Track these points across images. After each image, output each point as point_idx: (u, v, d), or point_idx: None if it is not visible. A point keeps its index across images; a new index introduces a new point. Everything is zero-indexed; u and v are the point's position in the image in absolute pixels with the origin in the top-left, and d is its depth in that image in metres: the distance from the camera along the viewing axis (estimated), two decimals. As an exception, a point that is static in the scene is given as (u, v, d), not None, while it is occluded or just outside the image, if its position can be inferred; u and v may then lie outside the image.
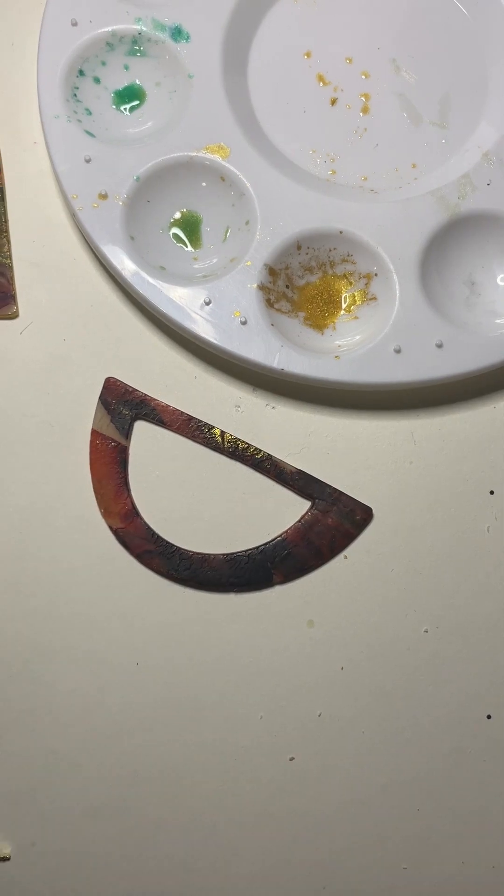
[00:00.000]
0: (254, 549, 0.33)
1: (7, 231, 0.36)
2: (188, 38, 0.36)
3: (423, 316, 0.34)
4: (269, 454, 0.33)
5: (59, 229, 0.36)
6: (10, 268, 0.35)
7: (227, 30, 0.36)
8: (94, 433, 0.33)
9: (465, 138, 0.37)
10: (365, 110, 0.37)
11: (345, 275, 0.35)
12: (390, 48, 0.38)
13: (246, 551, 0.33)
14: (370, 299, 0.35)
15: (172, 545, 0.33)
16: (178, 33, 0.36)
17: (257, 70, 0.37)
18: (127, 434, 0.33)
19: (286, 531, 0.33)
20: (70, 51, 0.35)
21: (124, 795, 0.31)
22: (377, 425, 0.35)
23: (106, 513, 0.33)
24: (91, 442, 0.33)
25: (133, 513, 0.33)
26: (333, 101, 0.37)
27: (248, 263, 0.34)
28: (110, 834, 0.31)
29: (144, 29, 0.36)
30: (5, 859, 0.31)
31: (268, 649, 0.32)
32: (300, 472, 0.33)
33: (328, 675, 0.32)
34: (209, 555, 0.33)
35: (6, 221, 0.36)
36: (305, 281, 0.35)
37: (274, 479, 0.33)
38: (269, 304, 0.34)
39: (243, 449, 0.33)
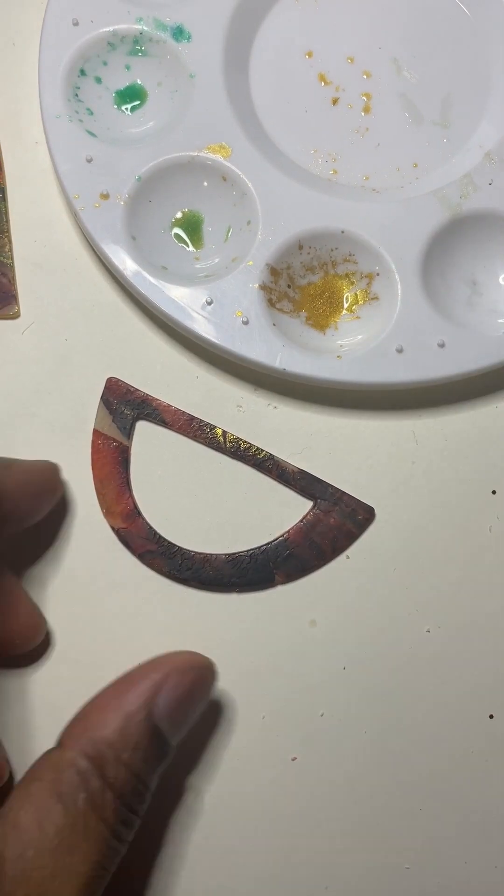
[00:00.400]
0: (256, 548, 0.33)
1: (8, 231, 0.36)
2: (189, 37, 0.36)
3: (425, 316, 0.34)
4: (270, 454, 0.33)
5: (61, 229, 0.36)
6: (12, 268, 0.35)
7: (228, 30, 0.36)
8: (96, 433, 0.33)
9: (466, 138, 0.37)
10: (366, 110, 0.37)
11: (346, 274, 0.35)
12: (392, 48, 0.38)
13: (248, 551, 0.33)
14: (372, 299, 0.35)
15: (174, 545, 0.33)
16: (179, 33, 0.36)
17: (259, 70, 0.37)
18: (128, 434, 0.33)
19: (288, 531, 0.33)
20: (71, 50, 0.35)
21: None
22: (379, 425, 0.35)
23: (107, 513, 0.33)
24: (93, 442, 0.33)
25: (135, 513, 0.33)
26: (335, 101, 0.37)
27: (250, 263, 0.34)
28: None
29: (146, 29, 0.36)
30: None
31: (270, 649, 0.32)
32: (302, 472, 0.33)
33: (330, 675, 0.32)
34: (211, 555, 0.33)
35: (7, 221, 0.36)
36: (307, 281, 0.35)
37: (276, 479, 0.33)
38: (271, 303, 0.34)
39: (245, 449, 0.33)
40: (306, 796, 0.32)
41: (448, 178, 0.36)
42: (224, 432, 0.34)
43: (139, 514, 0.33)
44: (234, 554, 0.33)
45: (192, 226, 0.35)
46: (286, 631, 0.33)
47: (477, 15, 0.38)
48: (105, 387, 0.34)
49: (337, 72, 0.37)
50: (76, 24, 0.35)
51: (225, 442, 0.33)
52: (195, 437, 0.34)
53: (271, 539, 0.33)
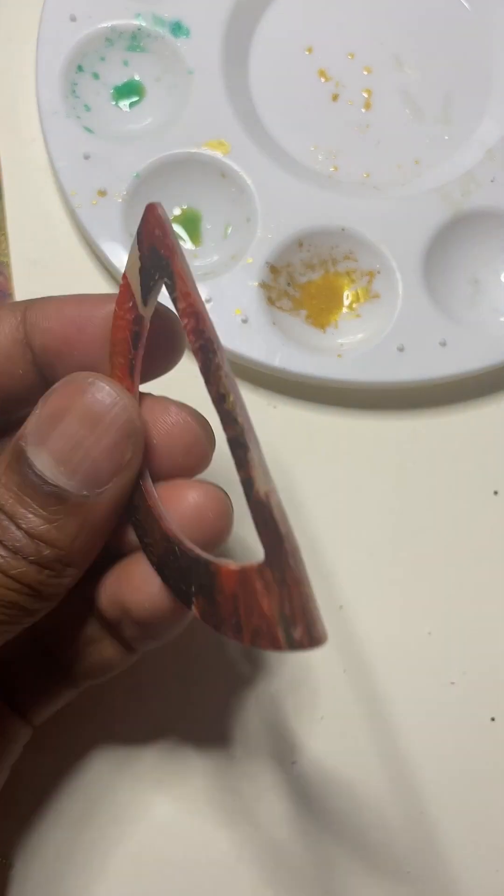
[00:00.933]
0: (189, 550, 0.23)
1: (5, 228, 0.35)
2: (188, 33, 0.35)
3: (427, 314, 0.33)
4: (244, 433, 0.22)
5: (58, 226, 0.36)
6: (8, 265, 0.35)
7: (227, 25, 0.36)
8: (124, 278, 0.23)
9: (468, 135, 0.36)
10: (367, 106, 0.37)
11: (347, 272, 0.35)
12: (393, 44, 0.37)
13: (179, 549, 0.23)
14: (373, 297, 0.34)
15: None
16: (177, 28, 0.36)
17: (258, 65, 0.37)
18: (147, 297, 0.23)
19: (219, 567, 0.22)
20: (69, 46, 0.35)
21: (123, 797, 0.31)
22: (379, 424, 0.34)
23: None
24: (120, 287, 0.24)
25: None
26: (335, 97, 0.37)
27: (249, 261, 0.33)
28: (109, 836, 0.31)
29: (144, 24, 0.35)
30: (9, 865, 0.31)
31: (269, 652, 0.32)
32: (269, 508, 0.21)
33: (330, 678, 0.32)
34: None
35: (4, 219, 0.35)
36: (307, 279, 0.34)
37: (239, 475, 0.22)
38: (271, 301, 0.34)
39: (229, 405, 0.22)
40: (305, 800, 0.31)
41: (450, 176, 0.35)
42: (225, 375, 0.22)
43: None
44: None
45: (191, 223, 0.35)
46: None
47: (478, 10, 0.38)
48: (143, 217, 0.23)
49: (337, 67, 0.37)
50: (74, 19, 0.35)
51: (217, 382, 0.22)
52: (194, 351, 0.22)
53: (200, 556, 0.22)
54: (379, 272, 0.34)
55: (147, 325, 0.23)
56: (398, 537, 0.33)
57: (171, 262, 0.22)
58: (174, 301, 0.22)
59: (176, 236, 0.22)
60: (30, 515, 0.21)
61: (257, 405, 0.34)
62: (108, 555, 0.24)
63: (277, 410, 0.34)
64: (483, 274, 0.35)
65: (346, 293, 0.35)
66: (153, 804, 0.31)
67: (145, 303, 0.23)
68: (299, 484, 0.34)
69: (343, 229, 0.34)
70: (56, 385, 0.22)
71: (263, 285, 0.33)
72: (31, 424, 0.22)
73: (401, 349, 0.33)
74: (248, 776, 0.31)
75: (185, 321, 0.22)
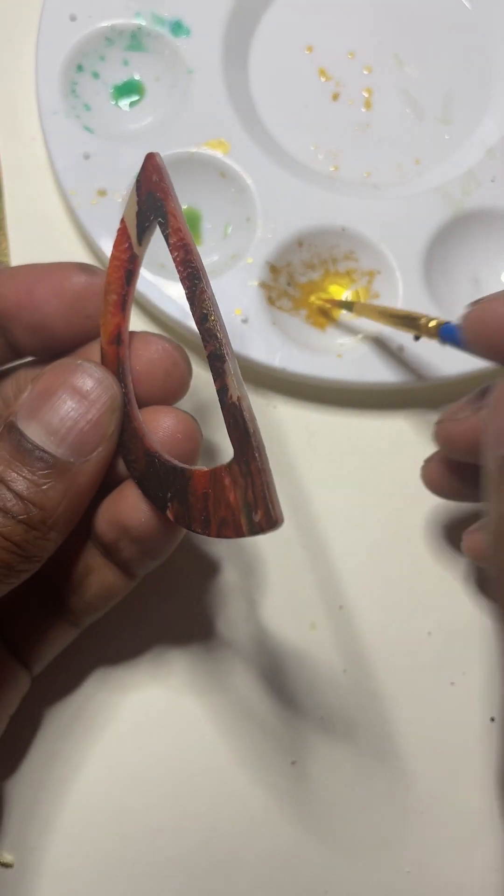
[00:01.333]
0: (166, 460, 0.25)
1: (5, 228, 0.35)
2: (188, 32, 0.35)
3: (427, 313, 0.33)
4: (221, 347, 0.24)
5: (58, 226, 0.36)
6: (8, 265, 0.35)
7: (227, 24, 0.36)
8: (122, 222, 0.26)
9: (468, 134, 0.36)
10: (367, 105, 0.37)
11: (347, 272, 0.35)
12: (393, 43, 0.37)
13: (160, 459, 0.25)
14: (373, 297, 0.34)
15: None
16: (177, 28, 0.35)
17: (258, 65, 0.37)
18: (141, 237, 0.26)
19: (192, 470, 0.24)
20: (69, 46, 0.35)
21: (123, 799, 0.31)
22: (380, 424, 0.34)
23: (102, 322, 0.26)
24: (118, 231, 0.26)
25: (116, 340, 0.26)
26: (335, 96, 0.37)
27: (249, 260, 0.33)
28: (110, 838, 0.31)
29: (144, 23, 0.35)
30: (8, 865, 0.30)
31: (269, 652, 0.32)
32: (241, 410, 0.24)
33: (330, 678, 0.32)
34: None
35: (4, 218, 0.35)
36: (307, 278, 0.34)
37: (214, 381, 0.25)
38: (271, 301, 0.33)
39: (210, 324, 0.25)
40: (305, 801, 0.31)
41: (450, 175, 0.35)
42: (209, 300, 0.25)
43: (119, 342, 0.26)
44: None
45: (191, 223, 0.35)
46: (286, 634, 0.32)
47: (478, 9, 0.38)
48: (143, 165, 0.25)
49: (337, 67, 0.37)
50: (74, 19, 0.35)
51: (200, 305, 0.25)
52: (183, 281, 0.25)
53: (176, 464, 0.25)
54: (379, 272, 0.34)
55: (140, 263, 0.26)
56: (398, 537, 0.33)
57: (165, 203, 0.25)
58: (166, 237, 0.25)
59: (170, 181, 0.25)
60: (20, 479, 0.23)
61: (257, 405, 0.34)
62: (104, 487, 0.26)
63: (277, 410, 0.34)
64: (484, 273, 0.35)
65: (346, 293, 0.35)
66: (153, 805, 0.31)
67: (140, 242, 0.26)
68: (299, 483, 0.34)
69: (343, 229, 0.34)
70: (46, 368, 0.25)
71: (263, 285, 0.33)
72: (23, 401, 0.24)
73: (401, 349, 0.33)
74: (248, 777, 0.31)
75: (175, 253, 0.25)
